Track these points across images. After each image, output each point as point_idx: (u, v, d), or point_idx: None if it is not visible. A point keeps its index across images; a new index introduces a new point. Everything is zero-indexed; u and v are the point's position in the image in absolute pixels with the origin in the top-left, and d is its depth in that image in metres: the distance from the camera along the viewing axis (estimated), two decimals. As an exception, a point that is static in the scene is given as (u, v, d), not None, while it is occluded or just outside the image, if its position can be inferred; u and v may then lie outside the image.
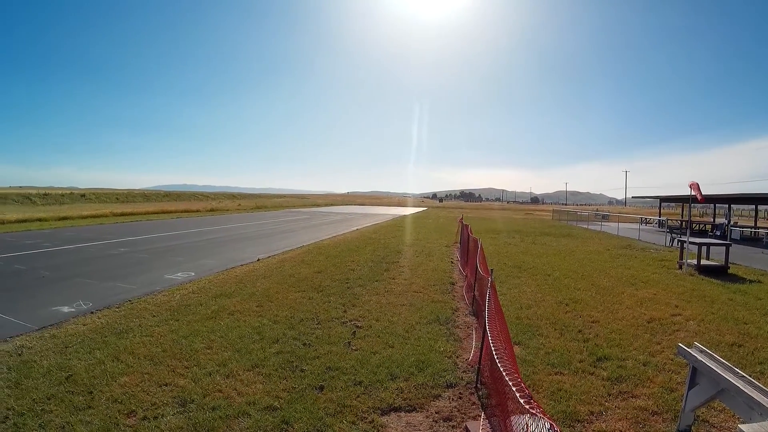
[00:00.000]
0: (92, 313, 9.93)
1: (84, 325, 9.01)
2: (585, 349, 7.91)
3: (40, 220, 36.52)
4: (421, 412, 5.75)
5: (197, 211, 58.24)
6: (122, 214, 46.17)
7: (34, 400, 5.82)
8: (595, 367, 7.15)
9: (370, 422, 5.43)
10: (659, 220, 42.05)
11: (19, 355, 7.36)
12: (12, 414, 5.46)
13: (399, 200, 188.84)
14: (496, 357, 4.44)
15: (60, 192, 77.75)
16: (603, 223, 44.82)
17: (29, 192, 72.15)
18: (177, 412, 5.56)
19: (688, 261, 16.27)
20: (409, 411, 5.76)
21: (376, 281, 13.52)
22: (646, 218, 48.28)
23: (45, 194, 69.23)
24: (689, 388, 5.04)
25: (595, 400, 6.01)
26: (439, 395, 6.18)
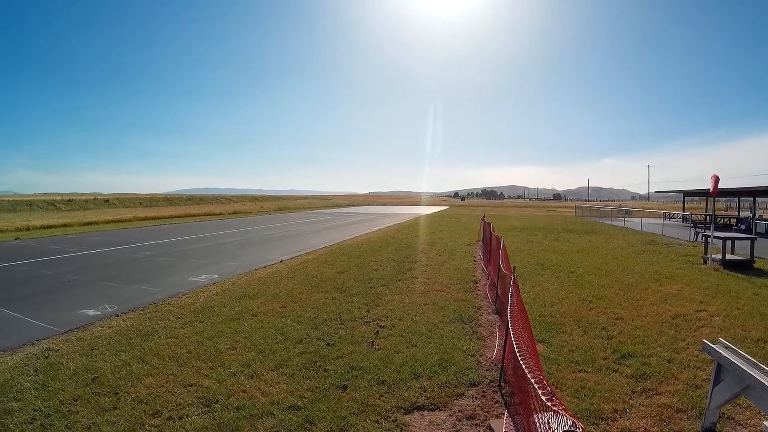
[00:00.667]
0: (117, 315, 10.09)
1: (109, 327, 9.17)
2: (609, 346, 7.82)
3: (64, 225, 37.19)
4: (444, 410, 5.74)
5: (220, 214, 58.81)
6: (146, 219, 46.77)
7: (60, 401, 5.94)
8: (619, 364, 7.07)
9: (394, 421, 5.44)
10: (683, 214, 41.44)
11: (46, 357, 7.51)
12: (39, 415, 5.57)
13: (421, 199, 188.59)
14: (519, 355, 4.42)
15: (84, 198, 79.07)
16: (626, 219, 44.34)
17: (54, 198, 73.50)
18: (202, 412, 5.63)
19: (713, 256, 15.97)
20: (432, 410, 5.75)
21: (399, 281, 13.52)
22: (669, 213, 47.56)
23: (69, 200, 70.44)
24: (714, 385, 4.96)
25: (619, 397, 5.94)
26: (462, 394, 6.17)
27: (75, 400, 5.95)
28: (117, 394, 6.13)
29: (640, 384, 6.37)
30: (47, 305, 11.11)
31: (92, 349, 7.84)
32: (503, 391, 6.19)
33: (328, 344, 8.00)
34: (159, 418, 5.48)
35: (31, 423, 5.40)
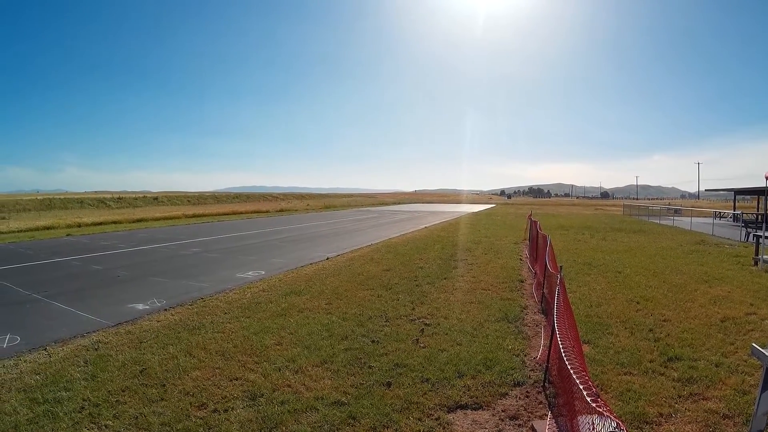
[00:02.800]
0: (166, 310, 10.38)
1: (158, 321, 9.44)
2: (655, 348, 7.65)
3: (115, 222, 38.36)
4: (488, 410, 5.72)
5: (267, 211, 59.66)
6: (194, 216, 47.88)
7: (109, 391, 6.15)
8: (665, 367, 6.91)
9: (437, 419, 5.45)
10: (734, 214, 39.99)
11: (96, 349, 7.78)
12: (88, 405, 5.79)
13: (467, 197, 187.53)
14: (564, 355, 4.36)
15: (133, 195, 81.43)
16: (675, 218, 43.06)
17: (104, 196, 75.95)
18: (246, 405, 5.74)
19: (764, 257, 15.36)
20: (475, 409, 5.74)
21: (445, 279, 13.49)
22: (719, 212, 45.98)
23: (119, 198, 72.69)
24: (762, 391, 4.77)
25: (665, 401, 5.80)
26: (506, 393, 6.13)
27: (123, 391, 6.16)
28: (164, 386, 6.31)
29: (686, 388, 6.21)
30: (97, 299, 11.50)
31: (141, 342, 8.09)
32: (547, 392, 6.13)
33: (373, 341, 8.05)
34: (205, 410, 5.62)
35: (80, 412, 5.61)
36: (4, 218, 45.73)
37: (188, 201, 79.99)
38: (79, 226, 34.93)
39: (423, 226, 35.06)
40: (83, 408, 5.70)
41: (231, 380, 6.50)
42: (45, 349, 7.83)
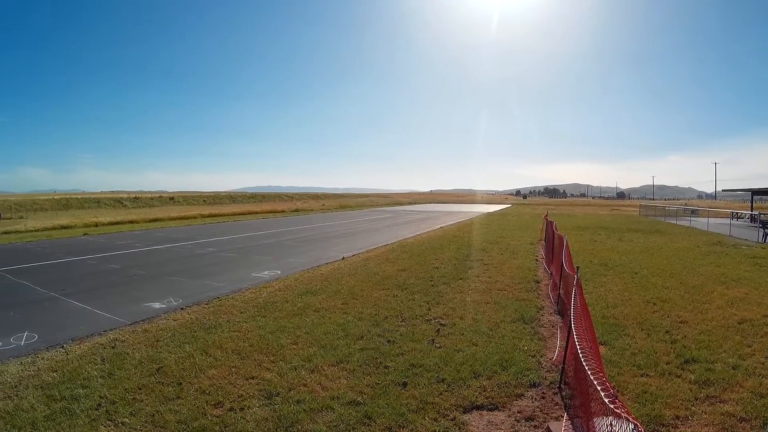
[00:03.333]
0: (182, 309, 10.45)
1: (174, 320, 9.52)
2: (672, 350, 7.59)
3: (131, 222, 38.74)
4: (504, 410, 5.70)
5: (282, 211, 59.92)
6: (209, 216, 48.21)
7: (125, 389, 6.21)
8: (682, 369, 6.84)
9: (452, 420, 5.44)
10: (751, 214, 39.50)
11: (113, 347, 7.85)
12: (105, 402, 5.85)
13: (482, 197, 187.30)
14: (581, 356, 4.33)
15: (149, 195, 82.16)
16: (692, 218, 42.81)
17: (120, 196, 76.71)
18: (262, 404, 5.77)
19: None
20: (491, 409, 5.73)
21: (460, 279, 13.47)
22: (737, 213, 45.40)
23: (135, 198, 73.36)
24: None
25: (681, 404, 5.75)
26: (522, 394, 6.11)
27: (140, 389, 6.21)
28: (180, 384, 6.36)
29: (703, 390, 6.15)
30: (114, 298, 11.62)
31: (157, 341, 8.16)
32: (563, 393, 6.10)
33: (388, 341, 8.05)
34: (221, 409, 5.65)
35: (97, 409, 5.67)
36: (21, 217, 46.37)
37: (204, 201, 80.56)
38: (96, 225, 35.33)
39: (438, 226, 35.05)
40: (100, 405, 5.76)
41: (247, 379, 6.53)
42: (62, 347, 7.92)
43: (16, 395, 6.11)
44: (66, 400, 5.90)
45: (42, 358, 7.42)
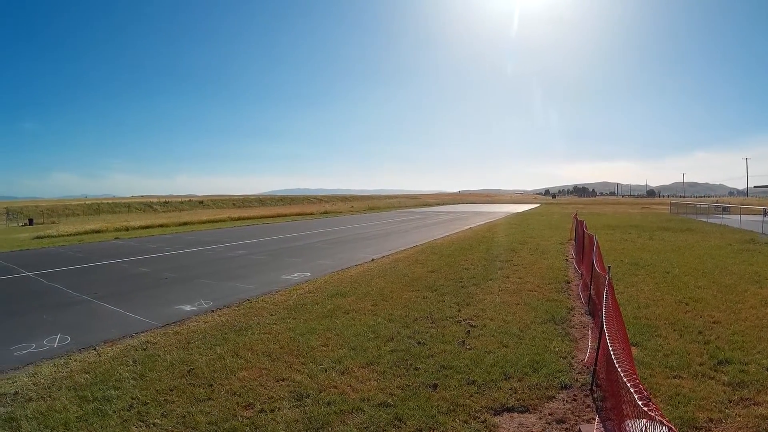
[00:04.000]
0: (213, 311, 10.56)
1: (205, 322, 9.62)
2: (705, 351, 7.44)
3: (161, 225, 39.35)
4: (534, 413, 5.64)
5: (311, 213, 60.28)
6: (239, 219, 48.64)
7: (157, 390, 6.29)
8: (715, 371, 6.70)
9: (483, 422, 5.40)
10: None
11: (144, 349, 7.97)
12: (136, 403, 5.94)
13: (511, 197, 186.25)
14: (613, 358, 4.27)
15: (179, 199, 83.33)
16: (723, 216, 41.82)
17: (150, 200, 77.97)
18: (293, 405, 5.79)
19: None
20: (522, 412, 5.67)
21: (490, 280, 13.37)
22: None
23: (165, 202, 74.46)
24: None
25: (715, 406, 5.63)
26: (553, 396, 6.04)
27: (171, 390, 6.29)
28: (211, 386, 6.42)
29: (737, 392, 6.01)
30: (146, 300, 11.80)
31: (188, 343, 8.25)
32: (595, 396, 6.01)
33: (419, 343, 8.02)
34: (251, 410, 5.69)
35: (129, 410, 5.76)
36: (53, 222, 47.39)
37: (233, 204, 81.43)
38: (127, 229, 35.93)
39: (467, 227, 34.93)
40: (132, 406, 5.84)
41: (277, 381, 6.57)
42: (95, 349, 8.07)
43: (50, 396, 6.23)
44: (98, 401, 6.01)
45: (75, 360, 7.57)
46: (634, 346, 7.61)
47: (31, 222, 51.50)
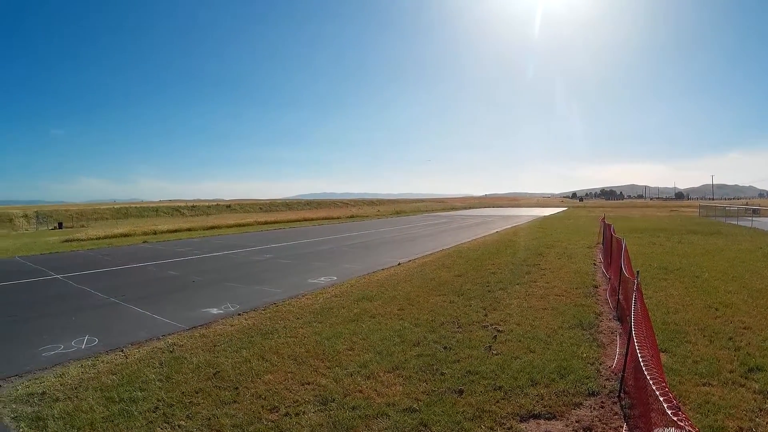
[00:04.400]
0: (239, 314, 10.64)
1: (231, 325, 9.69)
2: (736, 358, 7.28)
3: (189, 229, 39.78)
4: (561, 420, 5.57)
5: (338, 217, 60.51)
6: (266, 223, 49.05)
7: (183, 393, 6.36)
8: (746, 378, 6.55)
9: (509, 429, 5.34)
10: None
11: (171, 352, 8.05)
12: (162, 405, 6.01)
13: (537, 201, 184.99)
14: (642, 364, 4.20)
15: (207, 204, 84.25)
16: (753, 219, 41.41)
17: (178, 205, 78.97)
18: (318, 410, 5.80)
19: None
20: (548, 419, 5.60)
21: (517, 284, 13.26)
22: None
23: (193, 206, 75.36)
24: None
25: (745, 414, 5.50)
26: (580, 403, 5.95)
27: (196, 393, 6.34)
28: (237, 389, 6.46)
29: None
30: (173, 303, 11.94)
31: (215, 346, 8.32)
32: (623, 403, 5.90)
33: (445, 347, 7.98)
34: (276, 414, 5.71)
35: (154, 411, 5.83)
36: (83, 226, 48.20)
37: (260, 208, 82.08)
38: (155, 233, 36.42)
39: (494, 231, 34.80)
40: (157, 408, 5.90)
41: (303, 384, 6.58)
42: (122, 351, 8.18)
43: (77, 396, 6.34)
44: (124, 402, 6.09)
45: (102, 361, 7.69)
46: (663, 352, 7.48)
47: (60, 226, 52.53)
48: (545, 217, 56.48)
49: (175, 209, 71.64)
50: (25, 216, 58.38)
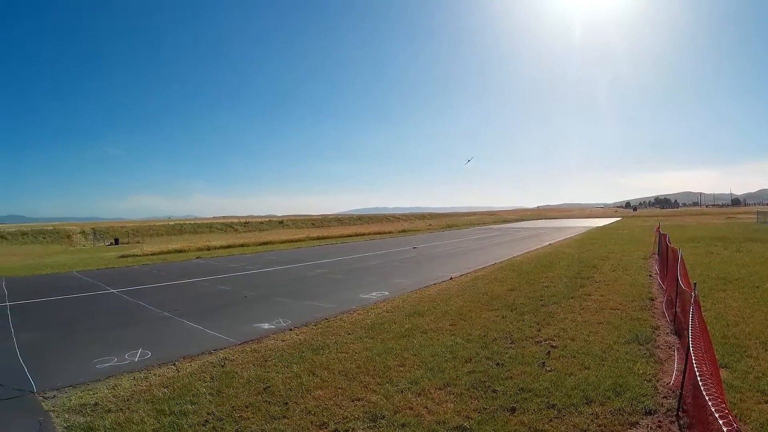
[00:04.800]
0: (291, 329, 10.69)
1: (283, 341, 9.74)
2: None
3: (242, 245, 40.52)
4: (616, 440, 5.35)
5: (389, 232, 60.64)
6: (318, 238, 49.51)
7: (233, 407, 6.40)
8: None
9: (562, 449, 5.16)
10: None
11: (222, 366, 8.13)
12: (212, 418, 6.05)
13: (590, 211, 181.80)
14: (700, 381, 4.01)
15: (259, 219, 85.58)
16: None
17: (231, 221, 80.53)
18: (367, 426, 5.74)
19: None
20: (602, 438, 5.39)
21: (571, 298, 12.97)
22: None
23: (245, 222, 76.68)
24: None
25: None
26: (637, 422, 5.73)
27: (246, 407, 6.37)
28: (287, 404, 6.46)
29: None
30: (225, 318, 12.10)
31: (265, 360, 8.37)
32: (681, 422, 5.66)
33: (497, 364, 7.82)
34: (325, 430, 5.68)
35: (204, 425, 5.88)
36: (138, 242, 49.57)
37: (312, 224, 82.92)
38: (209, 249, 37.19)
39: (547, 243, 34.33)
40: (207, 422, 5.95)
41: (353, 400, 6.54)
42: (174, 364, 8.32)
43: (128, 408, 6.48)
44: (175, 414, 6.17)
45: (154, 374, 7.84)
46: (722, 367, 7.16)
47: (117, 242, 54.23)
48: (599, 228, 55.65)
49: (228, 225, 73.10)
50: (83, 232, 60.60)
